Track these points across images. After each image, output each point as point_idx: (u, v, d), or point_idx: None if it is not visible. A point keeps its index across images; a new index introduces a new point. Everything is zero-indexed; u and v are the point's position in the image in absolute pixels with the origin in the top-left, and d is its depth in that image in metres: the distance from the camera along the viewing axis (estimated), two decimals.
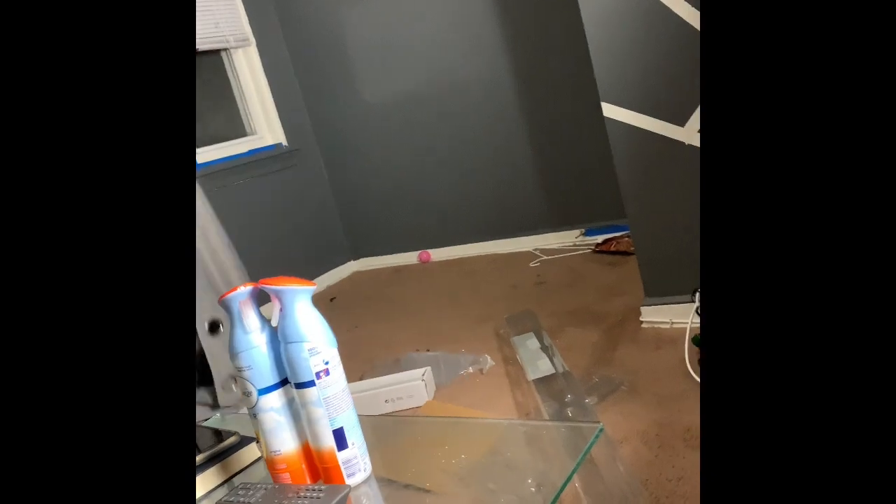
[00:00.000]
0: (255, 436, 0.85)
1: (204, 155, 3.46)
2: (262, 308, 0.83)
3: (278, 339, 0.80)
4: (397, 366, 2.40)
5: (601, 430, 0.89)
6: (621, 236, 3.20)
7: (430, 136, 3.71)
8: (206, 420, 1.20)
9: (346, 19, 3.71)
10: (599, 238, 3.35)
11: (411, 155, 3.80)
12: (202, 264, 2.11)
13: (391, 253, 4.08)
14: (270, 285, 0.78)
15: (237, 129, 3.79)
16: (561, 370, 2.01)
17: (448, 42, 3.49)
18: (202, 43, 3.47)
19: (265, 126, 3.84)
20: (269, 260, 3.63)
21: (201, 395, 2.11)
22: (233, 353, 0.80)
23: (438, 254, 3.92)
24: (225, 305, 0.80)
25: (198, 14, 3.44)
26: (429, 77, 3.60)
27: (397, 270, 3.96)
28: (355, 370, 2.51)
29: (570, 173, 3.40)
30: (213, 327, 2.01)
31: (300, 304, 0.78)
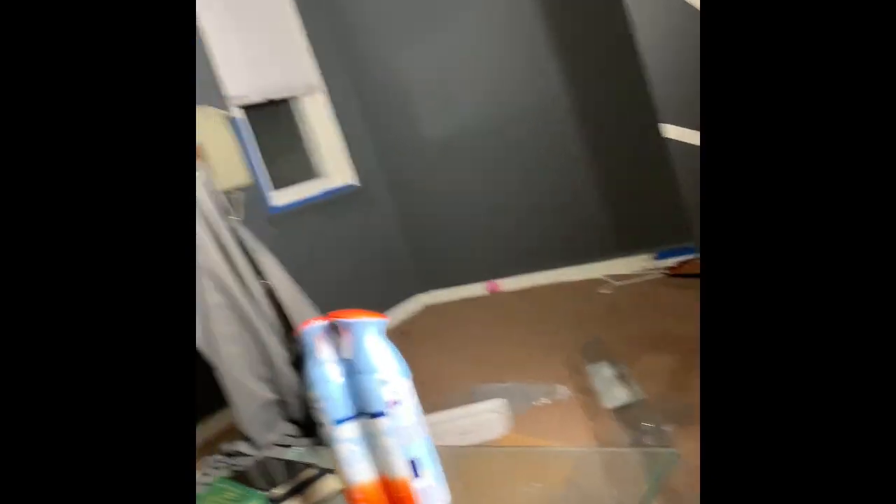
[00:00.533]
0: (333, 467, 0.87)
1: (279, 198, 3.61)
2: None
3: (351, 371, 0.82)
4: (471, 398, 2.40)
5: (677, 457, 0.87)
6: (695, 258, 3.11)
7: (492, 166, 3.74)
8: (286, 453, 1.24)
9: (406, 60, 3.82)
10: (671, 261, 3.27)
11: (475, 186, 3.84)
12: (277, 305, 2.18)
13: (460, 284, 4.10)
14: (341, 318, 0.81)
15: (309, 172, 3.93)
16: (637, 398, 1.97)
17: (504, 73, 3.54)
18: (274, 93, 3.64)
19: (335, 167, 3.97)
20: (342, 296, 3.72)
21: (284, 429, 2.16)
22: (308, 386, 0.84)
23: (507, 284, 3.91)
24: (301, 339, 0.84)
25: (269, 66, 3.62)
26: (487, 109, 3.65)
27: (467, 302, 3.98)
28: (429, 403, 2.52)
29: (636, 196, 3.35)
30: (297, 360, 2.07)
31: (370, 335, 0.81)
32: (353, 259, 3.86)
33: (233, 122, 3.30)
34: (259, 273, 2.22)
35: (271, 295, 2.23)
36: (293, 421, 2.29)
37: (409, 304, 4.12)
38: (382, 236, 4.08)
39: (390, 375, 0.80)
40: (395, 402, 0.80)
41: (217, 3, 3.40)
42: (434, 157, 3.93)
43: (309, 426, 2.22)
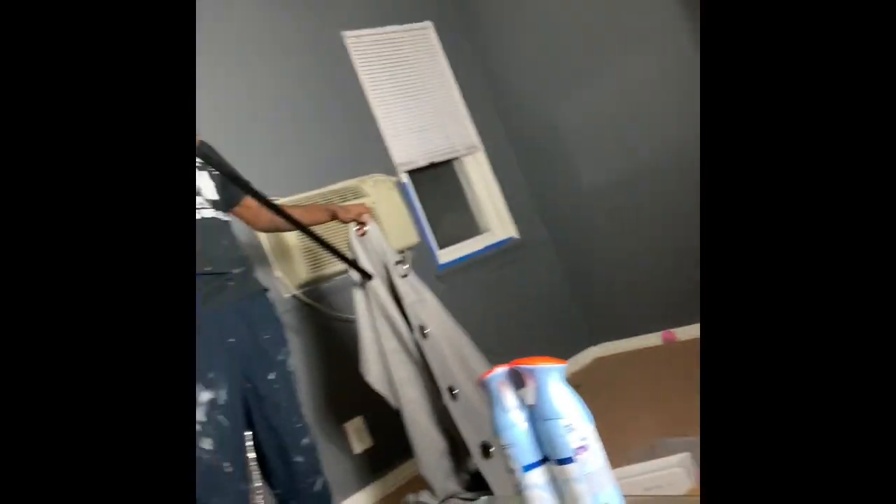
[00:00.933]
0: None
1: (446, 256, 3.75)
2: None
3: (535, 417, 0.83)
4: (653, 453, 2.28)
5: None
6: None
7: (660, 210, 3.62)
8: None
9: (563, 111, 3.86)
10: None
11: (641, 233, 3.73)
12: (445, 346, 2.25)
13: (633, 335, 3.95)
14: (524, 365, 0.82)
15: (472, 228, 4.05)
16: None
17: (666, 116, 3.45)
18: (437, 156, 3.84)
19: (497, 222, 4.06)
20: (510, 348, 3.72)
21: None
22: (495, 432, 0.85)
23: (684, 332, 3.71)
24: (484, 386, 0.86)
25: (432, 131, 3.83)
26: (651, 152, 3.56)
27: (641, 353, 3.82)
28: (609, 459, 2.43)
29: None
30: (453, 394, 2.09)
31: (553, 381, 0.81)
32: (519, 311, 3.87)
33: (401, 186, 3.51)
34: (426, 322, 2.31)
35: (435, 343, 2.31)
36: (467, 471, 2.31)
37: (578, 357, 4.04)
38: (548, 288, 4.07)
39: (576, 421, 0.80)
40: (582, 448, 0.79)
41: (383, 82, 3.69)
42: (596, 204, 3.89)
43: (477, 476, 2.23)
